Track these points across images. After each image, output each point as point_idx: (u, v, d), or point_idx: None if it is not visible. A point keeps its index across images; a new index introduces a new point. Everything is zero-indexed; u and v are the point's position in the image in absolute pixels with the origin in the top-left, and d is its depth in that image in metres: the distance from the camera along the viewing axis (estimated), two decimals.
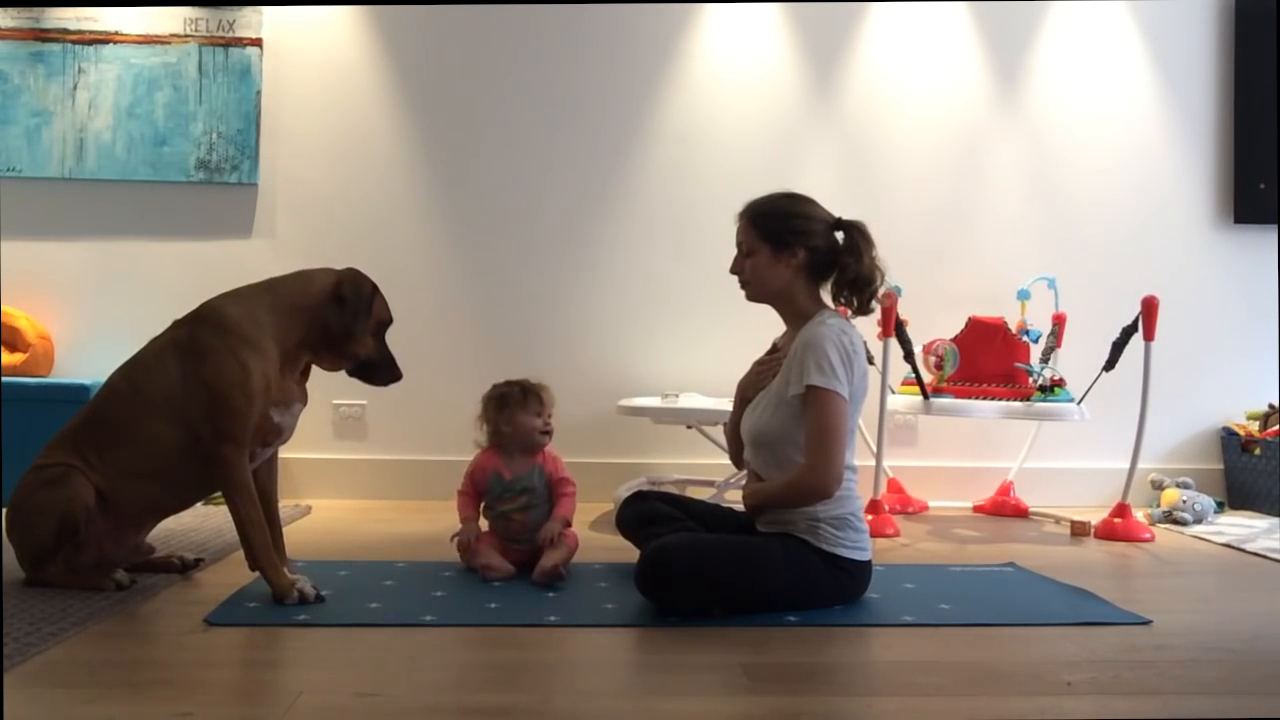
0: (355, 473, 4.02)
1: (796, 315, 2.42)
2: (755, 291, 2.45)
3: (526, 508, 2.71)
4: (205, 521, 3.20)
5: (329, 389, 3.89)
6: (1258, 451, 4.03)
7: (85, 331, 4.00)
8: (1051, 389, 3.59)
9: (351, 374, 2.50)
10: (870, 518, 2.98)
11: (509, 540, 2.72)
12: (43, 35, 3.98)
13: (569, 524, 2.72)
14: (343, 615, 2.20)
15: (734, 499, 2.84)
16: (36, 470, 2.34)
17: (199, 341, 2.32)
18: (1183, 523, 3.67)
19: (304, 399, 2.46)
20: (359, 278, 2.43)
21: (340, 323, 2.38)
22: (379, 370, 2.49)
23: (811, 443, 2.26)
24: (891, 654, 2.06)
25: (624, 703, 1.74)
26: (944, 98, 4.23)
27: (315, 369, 2.52)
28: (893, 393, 3.70)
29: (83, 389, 3.58)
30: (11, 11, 3.95)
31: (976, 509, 3.99)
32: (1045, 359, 3.79)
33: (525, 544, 2.70)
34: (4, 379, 3.52)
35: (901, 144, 4.22)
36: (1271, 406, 4.13)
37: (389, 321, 2.51)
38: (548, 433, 2.75)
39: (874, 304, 2.42)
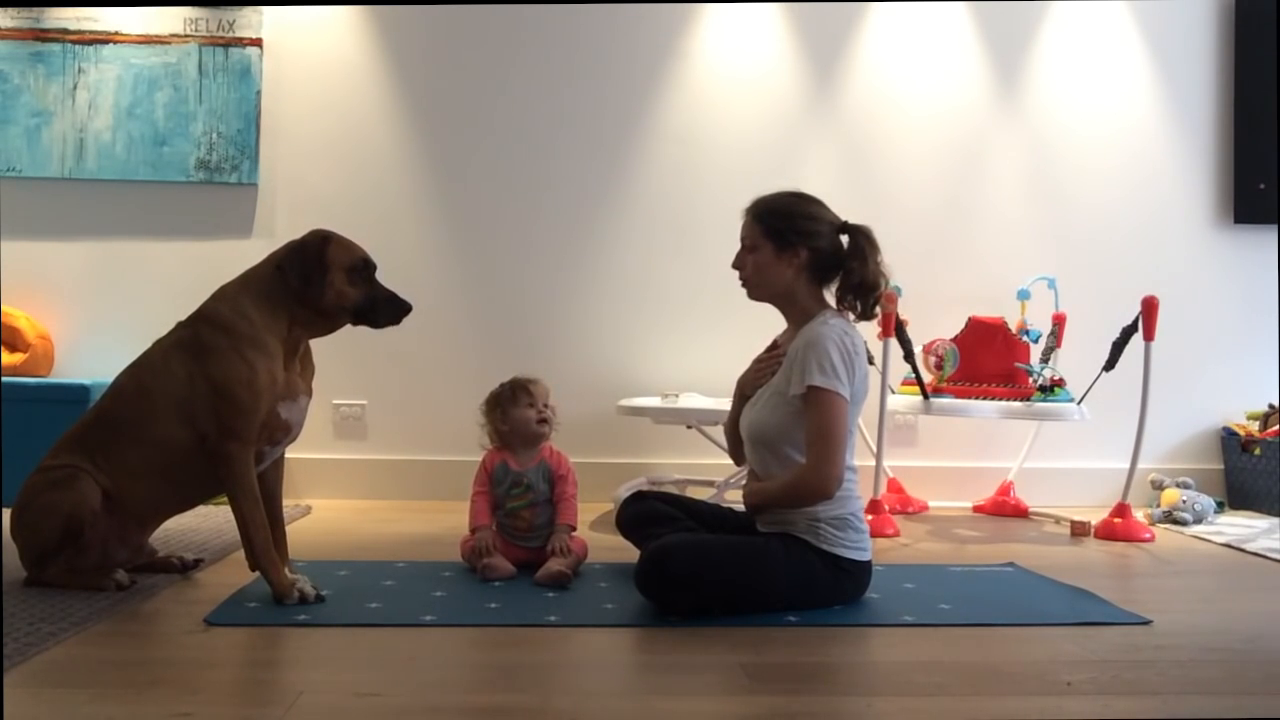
0: (355, 473, 4.02)
1: (798, 314, 2.42)
2: (756, 289, 2.45)
3: (532, 504, 2.72)
4: (205, 521, 3.20)
5: (329, 389, 3.88)
6: (1258, 451, 4.03)
7: (85, 331, 4.00)
8: (1051, 389, 3.59)
9: (355, 323, 2.40)
10: (870, 518, 2.97)
11: (514, 538, 2.72)
12: (43, 35, 3.98)
13: (574, 529, 2.72)
14: (343, 615, 2.20)
15: (734, 499, 2.84)
16: (43, 471, 2.34)
17: (204, 340, 2.32)
18: (1183, 523, 3.66)
19: (309, 392, 2.45)
20: (302, 240, 2.37)
21: (300, 290, 2.31)
22: (378, 311, 2.39)
23: (812, 443, 2.26)
24: (891, 654, 2.06)
25: (624, 703, 1.74)
26: (944, 98, 4.23)
27: (319, 364, 2.52)
28: (893, 393, 3.70)
29: (83, 389, 3.58)
30: (11, 11, 3.95)
31: (976, 509, 3.99)
32: (1045, 359, 3.79)
33: (529, 543, 2.71)
34: (4, 379, 3.52)
35: (901, 144, 4.22)
36: (1271, 406, 4.13)
37: (365, 261, 2.39)
38: (545, 421, 2.75)
39: (877, 310, 2.42)
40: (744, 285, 2.46)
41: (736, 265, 2.46)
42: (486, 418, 2.81)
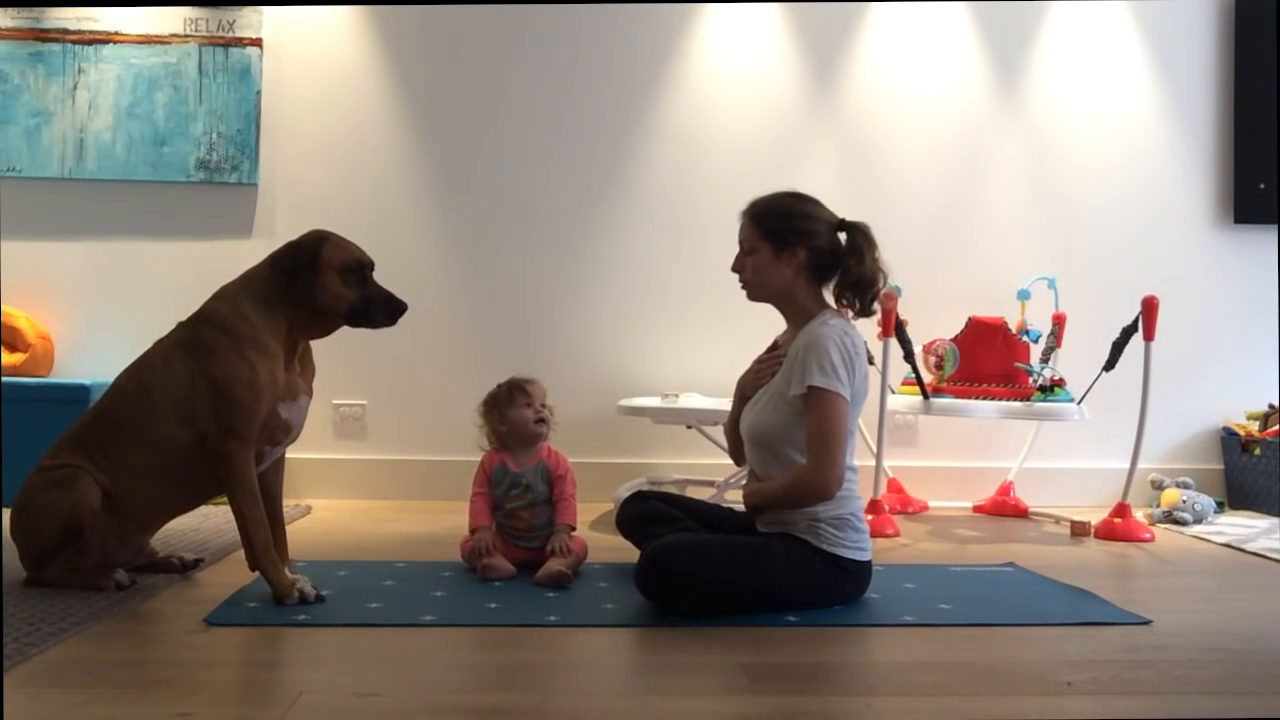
0: (355, 473, 4.02)
1: (798, 315, 2.42)
2: (756, 291, 2.45)
3: (531, 505, 2.72)
4: (205, 521, 3.20)
5: (329, 389, 3.88)
6: (1258, 451, 4.03)
7: (85, 331, 4.00)
8: (1051, 389, 3.59)
9: (352, 325, 2.39)
10: (870, 518, 2.97)
11: (514, 539, 2.72)
12: (43, 35, 3.98)
13: (574, 529, 2.72)
14: (343, 615, 2.20)
15: (734, 499, 2.84)
16: (43, 471, 2.34)
17: (205, 340, 2.32)
18: (1183, 523, 3.66)
19: (309, 392, 2.45)
20: (298, 240, 2.37)
21: (293, 291, 2.31)
22: (372, 312, 2.37)
23: (812, 444, 2.26)
24: (891, 654, 2.06)
25: (624, 703, 1.74)
26: (944, 98, 4.23)
27: (319, 365, 2.52)
28: (893, 393, 3.70)
29: (83, 389, 3.58)
30: (11, 11, 3.95)
31: (976, 509, 3.99)
32: (1045, 359, 3.79)
33: (529, 543, 2.71)
34: (4, 379, 3.52)
35: (901, 144, 4.22)
36: (1271, 406, 4.13)
37: (359, 260, 2.37)
38: (543, 420, 2.75)
39: (875, 306, 2.42)
40: (744, 288, 2.46)
41: (736, 269, 2.46)
42: (484, 419, 2.80)
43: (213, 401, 2.28)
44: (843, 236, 2.40)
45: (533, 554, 2.67)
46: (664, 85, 4.17)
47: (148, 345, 2.44)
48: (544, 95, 4.13)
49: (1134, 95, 4.29)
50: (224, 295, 2.38)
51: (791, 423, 2.31)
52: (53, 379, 3.85)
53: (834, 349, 2.27)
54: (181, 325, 2.40)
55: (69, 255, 4.02)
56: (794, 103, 4.20)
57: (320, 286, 2.32)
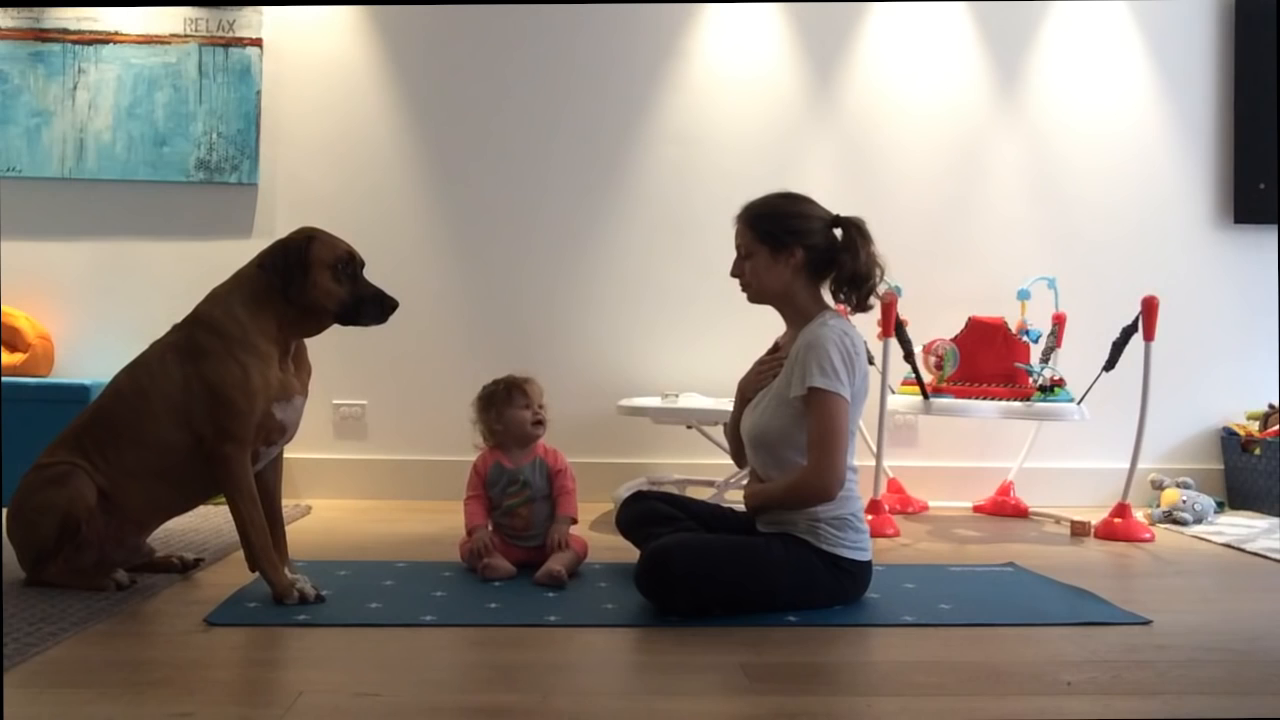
0: (355, 473, 4.02)
1: (798, 315, 2.41)
2: (756, 293, 2.45)
3: (529, 501, 2.72)
4: (205, 521, 3.20)
5: (329, 389, 3.89)
6: (1258, 451, 4.03)
7: (85, 331, 4.00)
8: (1051, 389, 3.59)
9: (342, 323, 2.38)
10: (870, 518, 2.97)
11: (512, 538, 2.72)
12: (43, 35, 3.98)
13: (575, 521, 2.72)
14: (343, 615, 2.20)
15: (734, 499, 2.84)
16: (39, 469, 2.34)
17: (198, 343, 2.32)
18: (1183, 523, 3.66)
19: (304, 392, 2.45)
20: (286, 239, 2.37)
21: (281, 288, 2.31)
22: (363, 309, 2.35)
23: (813, 445, 2.26)
24: (891, 654, 2.06)
25: (624, 703, 1.74)
26: (944, 98, 4.23)
27: (315, 364, 2.52)
28: (893, 393, 3.70)
29: (83, 389, 3.58)
30: (11, 11, 3.95)
31: (976, 509, 3.99)
32: (1045, 359, 3.79)
33: (528, 542, 2.71)
34: (4, 379, 3.52)
35: (902, 144, 4.22)
36: (1271, 406, 4.13)
37: (349, 257, 2.37)
38: (540, 422, 2.75)
39: (873, 300, 2.41)
40: (744, 290, 2.47)
41: (735, 273, 2.46)
42: (479, 416, 2.80)
43: (207, 404, 2.28)
44: (838, 232, 2.40)
45: (532, 553, 2.67)
46: (664, 85, 4.17)
47: (148, 345, 2.44)
48: (544, 95, 4.13)
49: (1134, 95, 4.29)
50: (215, 297, 2.38)
51: (792, 424, 2.31)
52: (53, 379, 3.85)
53: (834, 350, 2.27)
54: (176, 327, 2.40)
55: (69, 255, 4.02)
56: (794, 103, 4.20)
57: (310, 284, 2.32)
